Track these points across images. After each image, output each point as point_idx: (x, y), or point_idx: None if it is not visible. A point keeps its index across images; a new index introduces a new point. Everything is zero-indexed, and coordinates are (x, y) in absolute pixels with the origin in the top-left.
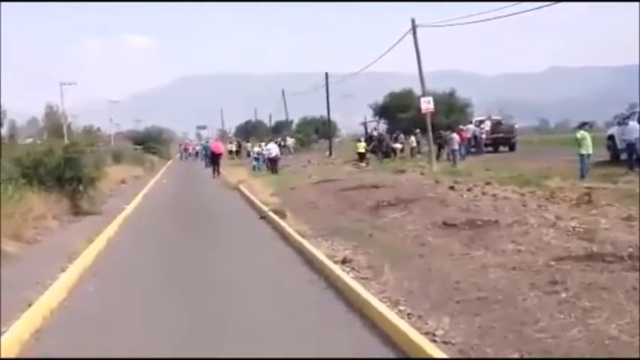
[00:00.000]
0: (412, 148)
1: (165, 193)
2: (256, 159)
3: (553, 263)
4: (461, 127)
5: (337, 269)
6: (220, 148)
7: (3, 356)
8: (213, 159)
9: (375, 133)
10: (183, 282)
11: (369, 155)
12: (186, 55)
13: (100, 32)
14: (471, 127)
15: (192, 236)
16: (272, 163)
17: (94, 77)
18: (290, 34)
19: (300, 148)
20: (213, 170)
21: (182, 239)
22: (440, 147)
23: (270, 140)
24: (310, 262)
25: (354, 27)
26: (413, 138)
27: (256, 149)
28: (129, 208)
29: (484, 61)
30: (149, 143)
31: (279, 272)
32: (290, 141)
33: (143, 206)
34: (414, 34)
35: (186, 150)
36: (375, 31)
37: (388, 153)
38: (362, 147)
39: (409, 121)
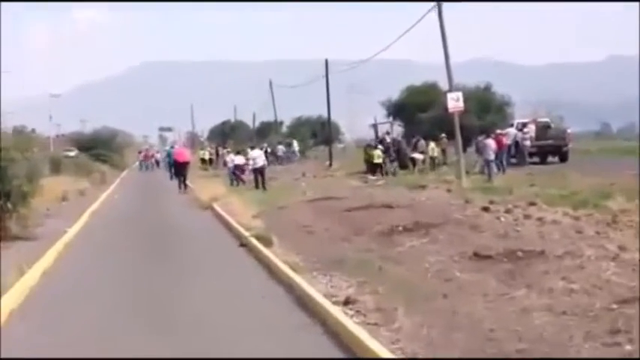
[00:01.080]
0: (432, 159)
1: (118, 213)
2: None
3: (614, 307)
4: (498, 131)
5: (337, 312)
6: (186, 155)
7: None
8: (178, 169)
9: (387, 139)
10: (139, 331)
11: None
12: (149, 35)
13: (40, 6)
14: (512, 131)
15: (151, 270)
16: (257, 176)
17: (32, 65)
18: (282, 11)
19: (291, 156)
20: (180, 183)
21: (138, 273)
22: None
23: (253, 147)
24: (303, 302)
25: (362, 4)
26: (433, 145)
27: (230, 157)
28: (71, 232)
29: (526, 47)
30: (98, 149)
31: (263, 315)
32: (293, 146)
33: (90, 230)
34: (439, 10)
35: (146, 158)
36: (390, 11)
37: (405, 164)
38: (378, 156)
39: (432, 122)
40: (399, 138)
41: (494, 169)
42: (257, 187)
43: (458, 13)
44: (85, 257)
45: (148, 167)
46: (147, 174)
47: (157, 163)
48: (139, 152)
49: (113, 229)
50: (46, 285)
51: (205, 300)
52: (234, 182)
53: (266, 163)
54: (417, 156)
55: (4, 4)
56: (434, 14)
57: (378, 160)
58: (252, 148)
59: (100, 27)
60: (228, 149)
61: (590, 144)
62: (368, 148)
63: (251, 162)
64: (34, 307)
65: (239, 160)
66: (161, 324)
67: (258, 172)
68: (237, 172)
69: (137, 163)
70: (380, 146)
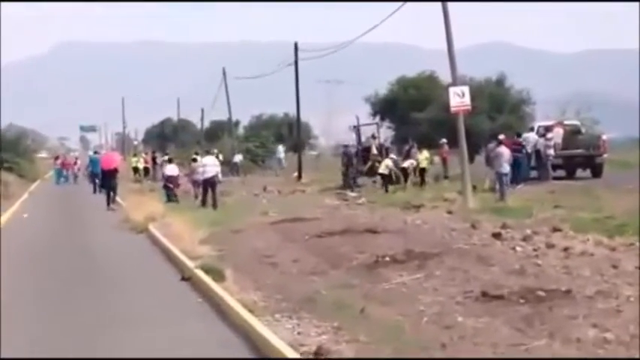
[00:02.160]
0: (421, 170)
1: (25, 237)
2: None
3: None
4: (501, 136)
5: None
6: (114, 161)
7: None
8: (105, 179)
9: (373, 145)
10: None
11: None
12: (66, 8)
13: None
14: (531, 136)
15: (66, 313)
16: (207, 189)
17: None
18: None
19: (251, 167)
20: (108, 198)
21: (50, 316)
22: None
23: (207, 152)
24: (262, 353)
25: None
26: (426, 153)
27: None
28: None
29: (552, 31)
30: (2, 153)
31: None
32: (278, 153)
33: None
34: None
35: (65, 166)
36: None
37: (396, 176)
38: (386, 166)
39: (430, 124)
40: (388, 144)
41: (508, 185)
42: (204, 203)
43: None
44: None
45: (67, 178)
46: (65, 187)
47: (77, 172)
48: (56, 158)
49: (19, 254)
50: None
51: (132, 353)
52: (172, 198)
53: (220, 174)
54: (408, 164)
55: None
56: None
57: (384, 171)
58: (207, 153)
59: None
60: (169, 156)
61: (631, 154)
62: (346, 156)
63: (200, 170)
64: None
65: (171, 170)
66: None
67: (209, 184)
68: (169, 186)
69: (52, 172)
70: (393, 155)
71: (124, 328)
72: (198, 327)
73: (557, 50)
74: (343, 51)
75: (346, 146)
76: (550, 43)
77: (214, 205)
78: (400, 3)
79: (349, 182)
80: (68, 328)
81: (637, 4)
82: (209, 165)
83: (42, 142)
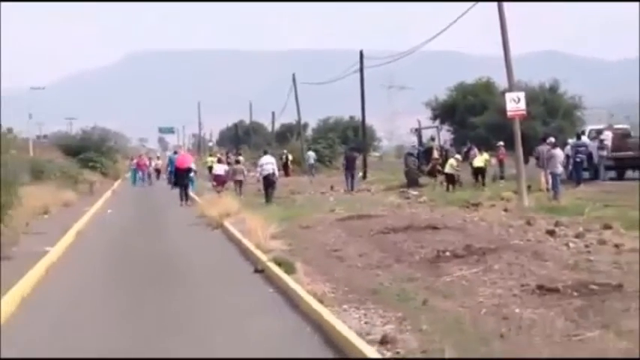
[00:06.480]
0: (480, 170)
1: (110, 231)
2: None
3: None
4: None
5: (373, 353)
6: (186, 161)
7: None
8: (178, 177)
9: (434, 146)
10: None
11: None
12: (148, 18)
13: None
14: (585, 140)
15: (149, 302)
16: (266, 186)
17: (8, 50)
18: None
19: (319, 167)
20: (181, 194)
21: (137, 300)
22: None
23: (265, 152)
24: (332, 342)
25: None
26: (486, 155)
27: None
28: (53, 252)
29: (603, 38)
30: (88, 153)
31: (286, 356)
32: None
33: (76, 249)
34: None
35: (140, 167)
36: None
37: (453, 176)
38: (451, 165)
39: (487, 127)
40: (448, 146)
41: (559, 185)
42: (267, 200)
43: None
44: (71, 282)
45: (143, 179)
46: (145, 186)
47: (158, 172)
48: (131, 159)
49: (105, 247)
50: (26, 321)
51: (215, 342)
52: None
53: (276, 171)
54: (478, 162)
55: None
56: None
57: (449, 170)
58: (265, 153)
59: (92, 7)
60: (240, 156)
61: None
62: (408, 156)
63: (258, 169)
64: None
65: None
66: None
67: (267, 181)
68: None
69: (129, 173)
70: (458, 155)
71: (206, 313)
72: (270, 315)
73: (606, 57)
74: (405, 58)
75: (411, 154)
76: (594, 50)
77: (269, 201)
78: (470, 4)
79: (412, 181)
80: (153, 312)
81: None
82: (266, 164)
83: (123, 143)
